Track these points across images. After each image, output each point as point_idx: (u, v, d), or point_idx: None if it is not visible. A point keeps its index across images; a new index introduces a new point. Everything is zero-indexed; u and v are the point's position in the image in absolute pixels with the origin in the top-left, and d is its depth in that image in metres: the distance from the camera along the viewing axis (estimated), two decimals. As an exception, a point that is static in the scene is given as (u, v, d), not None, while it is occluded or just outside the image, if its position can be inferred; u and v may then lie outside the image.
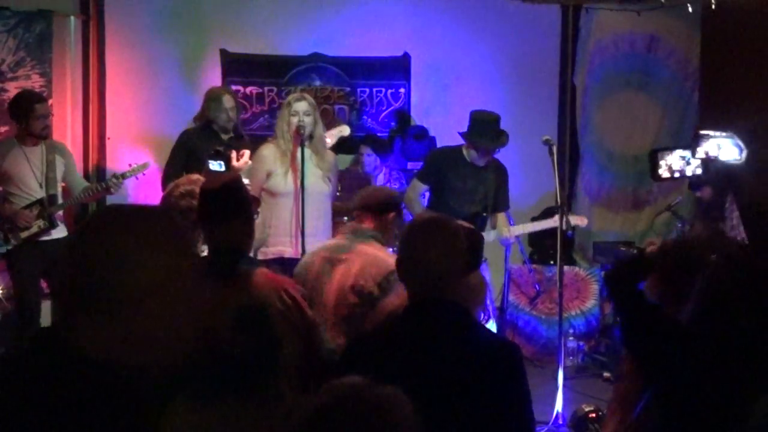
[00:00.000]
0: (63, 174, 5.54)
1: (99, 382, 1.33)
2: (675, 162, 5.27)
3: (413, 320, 2.32)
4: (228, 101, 5.68)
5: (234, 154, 4.67)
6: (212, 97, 5.72)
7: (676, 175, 5.32)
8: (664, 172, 5.27)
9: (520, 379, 2.30)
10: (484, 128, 5.34)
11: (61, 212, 5.53)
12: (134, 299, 1.35)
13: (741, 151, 4.66)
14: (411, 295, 2.37)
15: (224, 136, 5.64)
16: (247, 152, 4.73)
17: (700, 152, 4.12)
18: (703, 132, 4.59)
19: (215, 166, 4.52)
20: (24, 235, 5.36)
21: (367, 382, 1.43)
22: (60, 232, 5.47)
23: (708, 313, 2.32)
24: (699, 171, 5.21)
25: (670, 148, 5.51)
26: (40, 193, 5.41)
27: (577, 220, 5.90)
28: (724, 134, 3.80)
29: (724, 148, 4.77)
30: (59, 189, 5.52)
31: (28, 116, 5.35)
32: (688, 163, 5.23)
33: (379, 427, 1.35)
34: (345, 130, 5.79)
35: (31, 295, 5.43)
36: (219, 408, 2.64)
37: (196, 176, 3.61)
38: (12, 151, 5.40)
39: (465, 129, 5.43)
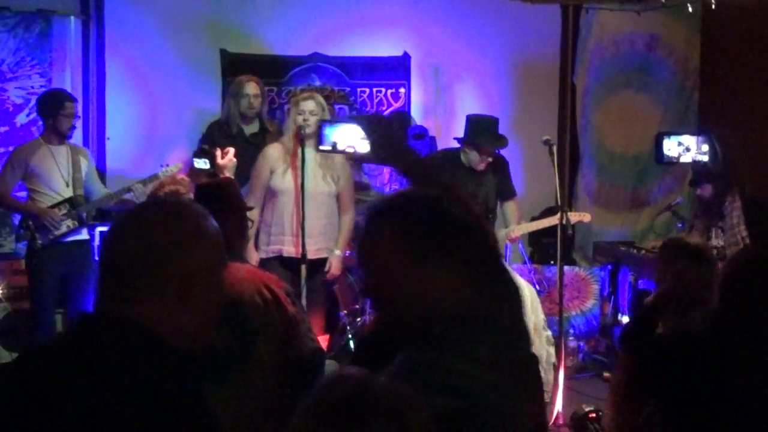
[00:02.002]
0: (86, 174, 5.53)
1: (161, 357, 1.46)
2: (674, 148, 5.30)
3: None
4: (252, 88, 5.64)
5: (219, 152, 4.65)
6: (236, 83, 5.70)
7: (682, 160, 5.36)
8: (668, 155, 5.31)
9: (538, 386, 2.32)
10: (483, 129, 5.35)
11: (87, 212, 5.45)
12: (188, 282, 1.49)
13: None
14: None
15: (244, 127, 5.63)
16: (231, 150, 4.71)
17: (341, 145, 3.64)
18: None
19: (200, 164, 4.51)
20: (54, 234, 5.26)
21: (366, 372, 1.40)
22: (83, 234, 5.42)
23: (730, 309, 2.33)
24: (699, 158, 5.25)
25: (677, 133, 5.55)
26: (67, 193, 5.34)
27: (579, 217, 5.87)
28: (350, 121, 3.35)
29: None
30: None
31: (57, 113, 5.33)
32: (687, 150, 5.26)
33: (390, 416, 1.33)
34: None
35: (51, 300, 5.32)
36: None
37: (180, 176, 3.63)
38: (39, 150, 5.37)
39: (462, 134, 5.44)
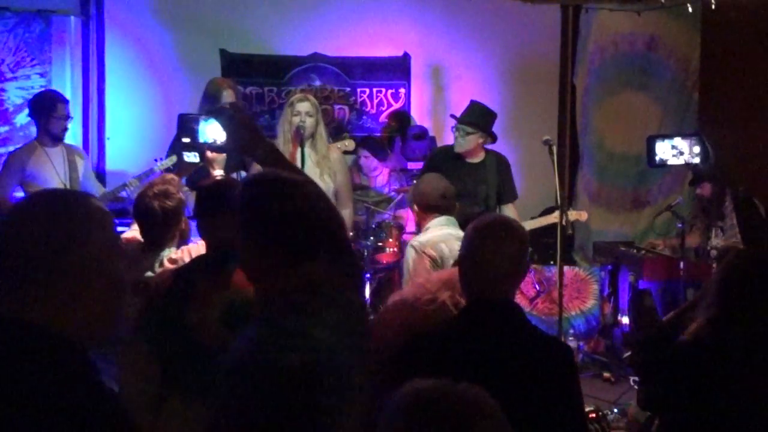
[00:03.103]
0: (83, 175, 5.50)
1: (51, 352, 1.39)
2: (666, 150, 5.29)
3: (475, 319, 2.35)
4: (228, 97, 5.32)
5: None
6: (210, 92, 5.35)
7: (669, 162, 5.36)
8: (661, 158, 5.31)
9: (575, 379, 2.35)
10: (473, 110, 5.39)
11: None
12: (84, 275, 1.43)
13: None
14: (471, 295, 2.39)
15: None
16: None
17: (210, 138, 3.77)
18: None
19: (190, 157, 4.46)
20: None
21: (450, 383, 1.42)
22: None
23: (726, 306, 2.33)
24: (692, 160, 5.24)
25: (669, 136, 5.55)
26: None
27: (577, 215, 5.85)
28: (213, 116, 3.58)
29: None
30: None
31: (49, 115, 5.30)
32: (680, 153, 5.26)
33: (474, 428, 1.34)
34: (350, 145, 5.70)
35: None
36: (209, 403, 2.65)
37: (170, 176, 3.61)
38: (35, 153, 5.34)
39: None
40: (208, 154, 4.41)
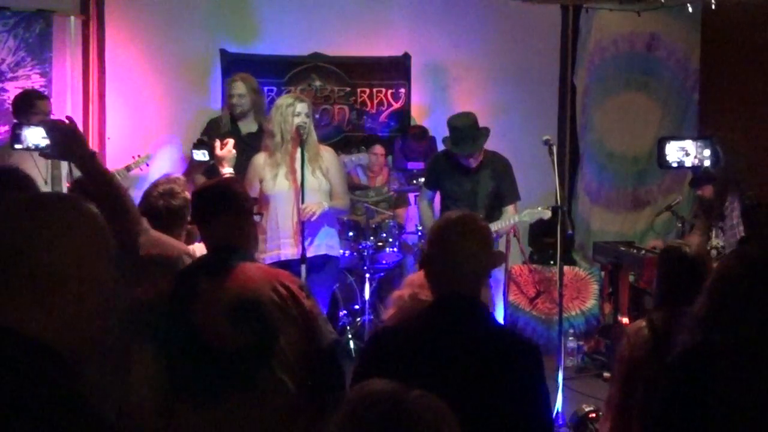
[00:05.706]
0: (67, 173, 5.51)
1: (21, 356, 1.36)
2: (674, 152, 5.28)
3: (440, 315, 2.35)
4: (236, 87, 5.81)
5: (218, 143, 4.62)
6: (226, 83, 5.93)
7: (675, 165, 5.35)
8: (670, 160, 5.30)
9: (541, 377, 2.35)
10: (460, 135, 5.37)
11: None
12: (52, 279, 1.39)
13: None
14: (438, 290, 2.40)
15: (241, 126, 5.79)
16: (230, 141, 4.63)
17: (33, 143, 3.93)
18: None
19: (199, 155, 4.47)
20: None
21: (399, 386, 1.39)
22: None
23: (719, 306, 2.32)
24: (700, 162, 5.23)
25: (677, 137, 5.54)
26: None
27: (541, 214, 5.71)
28: (39, 124, 3.83)
29: None
30: (64, 187, 5.48)
31: (28, 112, 5.36)
32: (687, 155, 5.25)
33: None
34: None
35: None
36: (221, 405, 2.65)
37: (175, 176, 3.61)
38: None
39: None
40: (217, 151, 4.41)
